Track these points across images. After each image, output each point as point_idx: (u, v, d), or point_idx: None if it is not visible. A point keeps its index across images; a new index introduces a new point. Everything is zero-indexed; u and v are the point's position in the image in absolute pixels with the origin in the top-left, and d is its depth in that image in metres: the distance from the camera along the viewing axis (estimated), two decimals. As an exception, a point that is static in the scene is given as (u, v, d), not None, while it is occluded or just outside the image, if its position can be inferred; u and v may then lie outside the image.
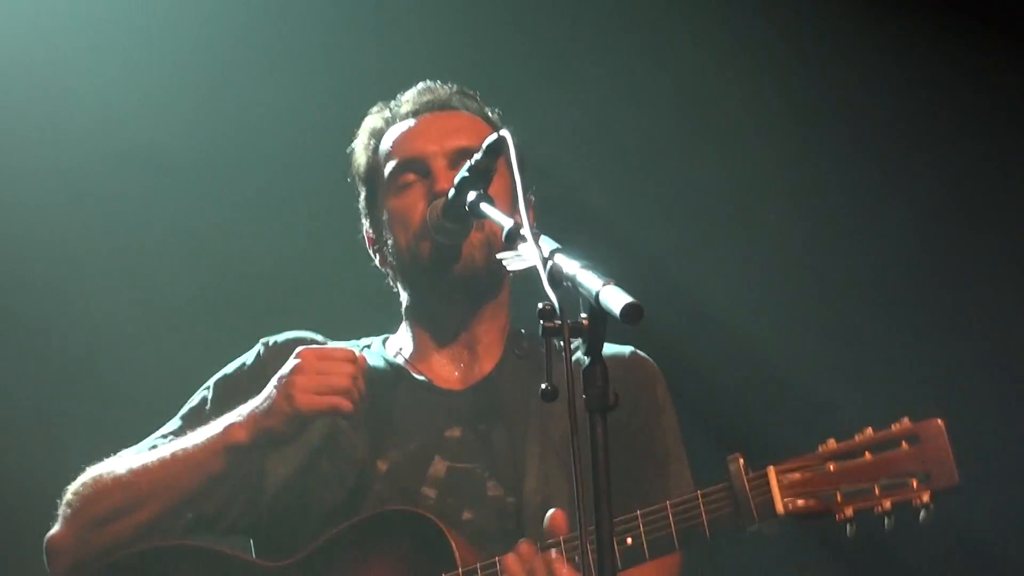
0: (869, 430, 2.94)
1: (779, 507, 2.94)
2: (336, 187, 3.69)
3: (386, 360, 3.45)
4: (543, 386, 2.48)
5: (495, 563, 3.05)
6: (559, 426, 3.28)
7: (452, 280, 3.34)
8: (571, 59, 5.03)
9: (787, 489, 2.94)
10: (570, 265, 2.52)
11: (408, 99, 3.54)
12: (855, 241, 4.95)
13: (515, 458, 3.27)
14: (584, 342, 2.46)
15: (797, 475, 2.95)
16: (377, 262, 3.53)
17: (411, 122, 3.49)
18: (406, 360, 3.45)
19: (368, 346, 3.53)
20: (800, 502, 2.94)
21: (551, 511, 3.06)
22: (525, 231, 2.63)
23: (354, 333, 3.60)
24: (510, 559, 3.03)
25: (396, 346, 3.50)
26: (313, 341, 3.43)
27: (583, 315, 2.46)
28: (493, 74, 4.82)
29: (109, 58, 4.92)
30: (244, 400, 3.22)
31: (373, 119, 3.56)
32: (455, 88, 3.54)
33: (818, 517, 2.94)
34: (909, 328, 4.87)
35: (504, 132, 2.87)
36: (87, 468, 3.31)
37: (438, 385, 3.39)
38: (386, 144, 3.50)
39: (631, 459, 3.27)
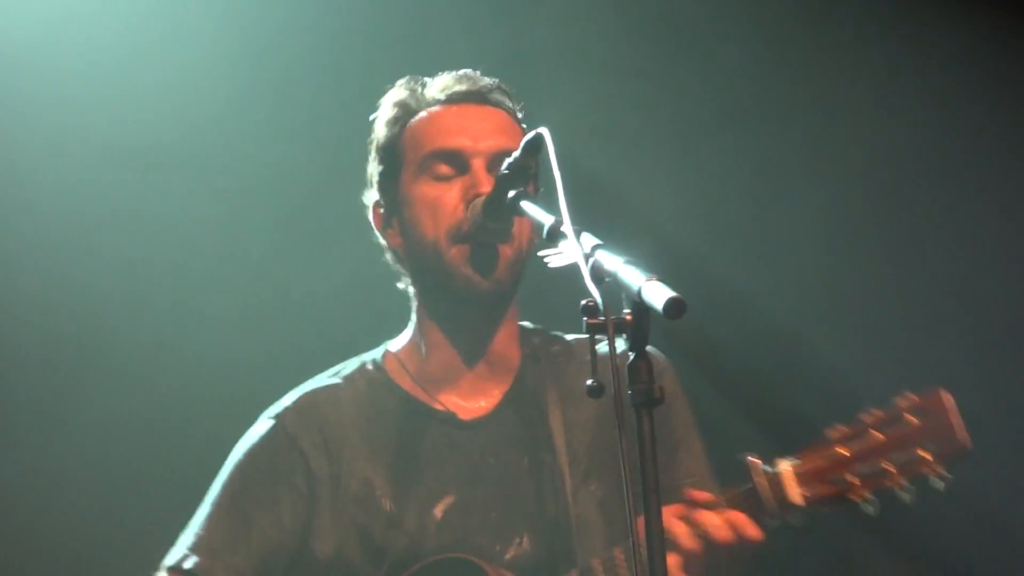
0: (875, 410, 2.99)
1: (796, 499, 2.99)
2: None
3: (400, 393, 3.32)
4: (589, 382, 2.48)
5: None
6: (585, 432, 3.28)
7: (479, 291, 3.24)
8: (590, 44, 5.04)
9: (802, 479, 2.98)
10: (612, 261, 2.52)
11: (444, 84, 3.37)
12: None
13: (554, 478, 3.21)
14: (628, 338, 2.46)
15: (810, 464, 2.99)
16: (383, 239, 3.40)
17: (447, 109, 3.35)
18: (421, 385, 3.32)
19: (366, 364, 3.39)
20: (817, 490, 2.98)
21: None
22: (567, 228, 2.63)
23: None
24: None
25: (402, 361, 3.36)
26: (333, 391, 3.34)
27: (626, 311, 2.47)
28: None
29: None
30: (274, 502, 3.22)
31: (400, 92, 3.40)
32: (495, 82, 3.40)
33: (837, 502, 2.99)
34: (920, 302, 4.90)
35: (543, 129, 2.84)
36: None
37: (463, 418, 3.28)
38: (419, 125, 3.34)
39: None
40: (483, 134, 3.30)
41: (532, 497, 3.21)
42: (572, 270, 2.59)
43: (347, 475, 3.24)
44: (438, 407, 3.28)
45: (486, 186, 3.19)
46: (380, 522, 3.19)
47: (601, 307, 2.47)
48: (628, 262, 2.50)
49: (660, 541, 2.39)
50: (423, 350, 3.34)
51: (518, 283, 3.28)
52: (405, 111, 3.37)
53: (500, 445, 3.24)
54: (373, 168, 3.40)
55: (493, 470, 3.24)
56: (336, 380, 3.36)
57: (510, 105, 3.39)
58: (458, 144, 3.28)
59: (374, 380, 3.34)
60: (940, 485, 2.92)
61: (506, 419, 3.29)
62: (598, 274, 2.52)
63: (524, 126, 3.39)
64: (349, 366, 3.39)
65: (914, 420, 2.95)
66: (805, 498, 2.98)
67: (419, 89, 3.39)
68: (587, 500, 3.22)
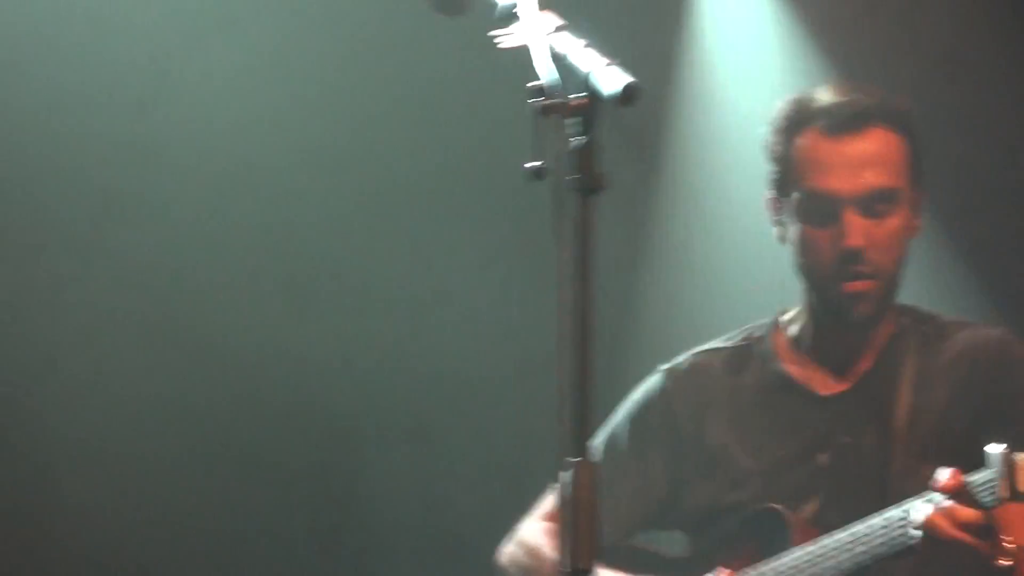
0: None
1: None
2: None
3: (771, 366, 3.51)
4: (532, 164, 2.41)
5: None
6: (931, 416, 3.36)
7: (847, 323, 3.42)
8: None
9: None
10: (570, 43, 2.43)
11: (826, 102, 3.41)
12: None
13: (885, 459, 3.36)
14: (579, 122, 2.37)
15: None
16: (775, 230, 3.52)
17: (824, 138, 3.39)
18: (792, 358, 3.50)
19: (755, 332, 3.58)
20: None
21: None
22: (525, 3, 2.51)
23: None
24: None
25: (784, 333, 3.53)
26: (715, 355, 3.56)
27: (579, 95, 2.37)
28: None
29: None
30: (654, 438, 3.51)
31: (796, 105, 3.45)
32: (878, 95, 3.43)
33: None
34: None
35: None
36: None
37: (820, 394, 3.46)
38: (799, 150, 3.42)
39: (975, 422, 3.33)
40: (854, 170, 3.36)
41: (856, 473, 3.37)
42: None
43: (708, 437, 3.48)
44: (800, 382, 3.47)
45: (855, 238, 3.33)
46: (728, 482, 3.43)
47: (553, 88, 2.37)
48: (588, 45, 2.41)
49: (588, 331, 2.34)
50: (800, 328, 3.51)
51: (893, 294, 3.42)
52: (792, 124, 3.44)
53: (845, 422, 3.40)
54: (769, 161, 3.48)
55: (828, 443, 3.39)
56: (724, 345, 3.59)
57: (896, 115, 3.42)
58: (825, 186, 3.38)
59: (754, 350, 3.55)
60: None
61: (859, 398, 3.42)
62: (554, 55, 2.42)
63: (915, 129, 3.44)
64: (742, 332, 3.59)
65: None
66: None
67: (811, 101, 3.44)
68: (914, 484, 3.22)
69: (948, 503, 3.05)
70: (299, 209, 4.85)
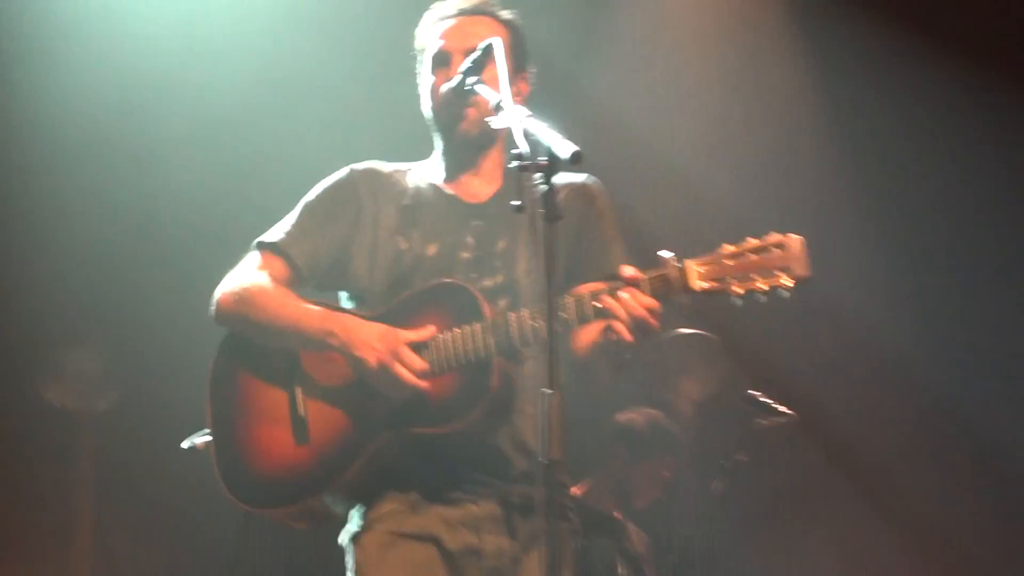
0: (751, 239, 4.09)
1: (695, 286, 4.11)
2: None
3: (428, 182, 4.72)
4: (515, 203, 3.79)
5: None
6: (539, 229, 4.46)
7: (457, 139, 4.64)
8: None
9: (700, 275, 4.12)
10: (537, 125, 3.82)
11: (450, 5, 4.72)
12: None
13: (512, 250, 4.58)
14: (544, 175, 3.74)
15: (705, 266, 4.13)
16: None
17: (446, 24, 4.67)
18: (443, 178, 4.72)
19: (422, 163, 4.79)
20: (708, 284, 4.13)
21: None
22: (507, 103, 3.96)
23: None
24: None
25: (433, 170, 4.76)
26: (385, 167, 4.76)
27: (543, 158, 3.75)
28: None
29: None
30: (339, 212, 4.63)
31: (431, 14, 4.73)
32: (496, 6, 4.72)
33: (719, 294, 4.11)
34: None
35: (495, 40, 4.16)
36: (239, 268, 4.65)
37: (467, 201, 4.67)
38: (433, 32, 4.69)
39: (586, 244, 4.58)
40: (463, 38, 4.61)
41: (495, 257, 4.56)
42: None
43: (383, 217, 4.62)
44: (450, 191, 4.68)
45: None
46: (395, 251, 4.57)
47: (527, 154, 3.76)
48: (549, 127, 3.80)
49: (553, 309, 3.70)
50: (442, 167, 4.74)
51: (487, 137, 4.61)
52: (430, 24, 4.75)
53: (484, 219, 4.61)
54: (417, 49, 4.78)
55: (476, 231, 4.60)
56: (399, 165, 4.76)
57: (494, 8, 4.72)
58: (444, 48, 4.65)
59: (420, 171, 4.76)
60: (785, 295, 4.03)
61: (488, 208, 4.64)
62: (527, 133, 3.81)
63: (508, 24, 4.70)
64: (414, 163, 4.78)
65: (776, 250, 4.04)
66: (700, 288, 4.08)
67: (441, 10, 4.76)
68: (529, 268, 4.50)
69: (628, 290, 4.12)
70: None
